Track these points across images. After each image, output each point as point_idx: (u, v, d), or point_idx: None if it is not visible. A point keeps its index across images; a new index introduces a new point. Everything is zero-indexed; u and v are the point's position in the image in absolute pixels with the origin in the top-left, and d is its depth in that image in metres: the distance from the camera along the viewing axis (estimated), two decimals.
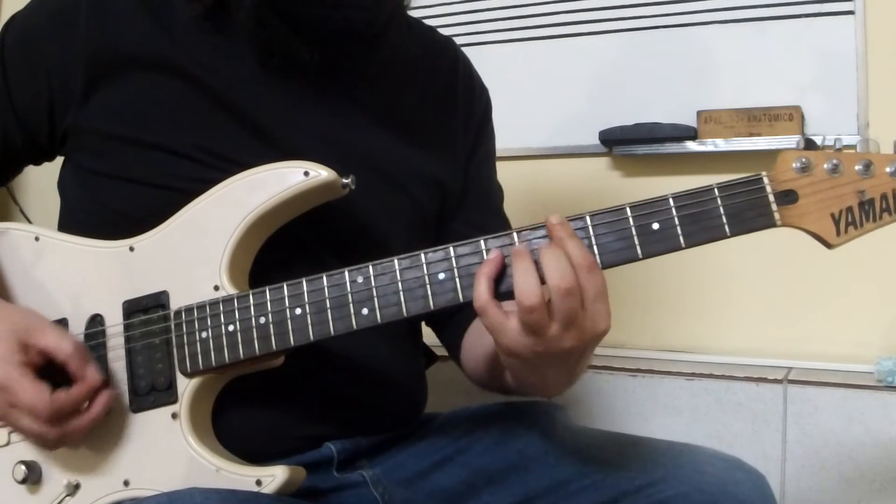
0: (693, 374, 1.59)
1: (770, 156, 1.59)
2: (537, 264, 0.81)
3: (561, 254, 0.81)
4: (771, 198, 0.82)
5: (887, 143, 0.83)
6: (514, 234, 0.85)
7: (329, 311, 0.88)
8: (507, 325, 0.82)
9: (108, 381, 0.94)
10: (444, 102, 1.16)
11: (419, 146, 1.10)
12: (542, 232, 0.84)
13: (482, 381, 1.11)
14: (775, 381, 1.53)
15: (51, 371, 0.90)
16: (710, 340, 1.73)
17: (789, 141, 1.59)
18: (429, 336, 1.19)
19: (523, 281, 0.80)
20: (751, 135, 1.62)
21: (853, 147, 0.84)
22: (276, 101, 1.02)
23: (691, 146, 1.68)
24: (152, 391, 0.93)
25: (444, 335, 1.18)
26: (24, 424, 0.89)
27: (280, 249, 0.97)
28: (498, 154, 1.26)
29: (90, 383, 0.91)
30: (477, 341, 1.08)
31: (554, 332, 0.81)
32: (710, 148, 1.66)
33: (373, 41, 1.06)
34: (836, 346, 1.62)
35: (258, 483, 0.87)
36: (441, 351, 1.22)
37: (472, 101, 1.19)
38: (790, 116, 1.60)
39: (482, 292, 0.82)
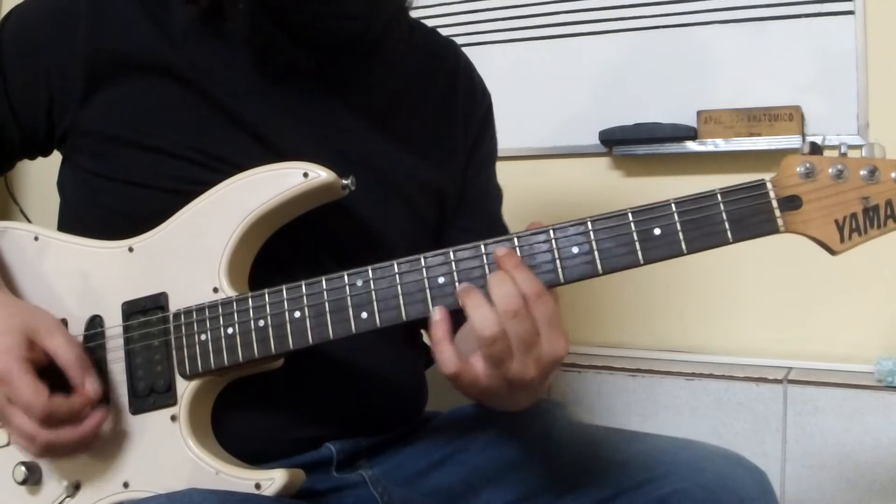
0: (693, 374, 1.59)
1: (770, 156, 1.61)
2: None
3: (505, 278, 0.81)
4: (774, 203, 0.81)
5: (889, 145, 0.82)
6: (515, 239, 0.84)
7: (328, 314, 0.87)
8: (478, 375, 0.82)
9: (106, 394, 0.93)
10: (444, 105, 1.16)
11: (418, 152, 1.10)
12: (543, 237, 0.84)
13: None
14: (775, 381, 1.53)
15: (51, 376, 0.90)
16: (710, 340, 1.73)
17: (789, 141, 1.59)
18: None
19: (478, 315, 0.80)
20: (751, 135, 1.62)
21: (857, 147, 0.83)
22: (273, 108, 1.02)
23: (691, 146, 1.68)
24: (151, 393, 0.93)
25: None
26: (17, 422, 0.88)
27: (279, 252, 0.97)
28: (498, 154, 1.25)
29: (87, 395, 0.91)
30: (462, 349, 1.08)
31: (516, 362, 0.80)
32: (710, 148, 1.66)
33: (371, 48, 1.06)
34: (836, 346, 1.63)
35: (257, 486, 0.87)
36: None
37: (472, 103, 1.19)
38: (790, 116, 1.60)
39: (450, 358, 0.81)
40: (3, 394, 0.88)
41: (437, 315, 0.83)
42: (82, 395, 0.90)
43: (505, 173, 1.25)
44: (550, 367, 0.82)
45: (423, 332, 1.18)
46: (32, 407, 0.87)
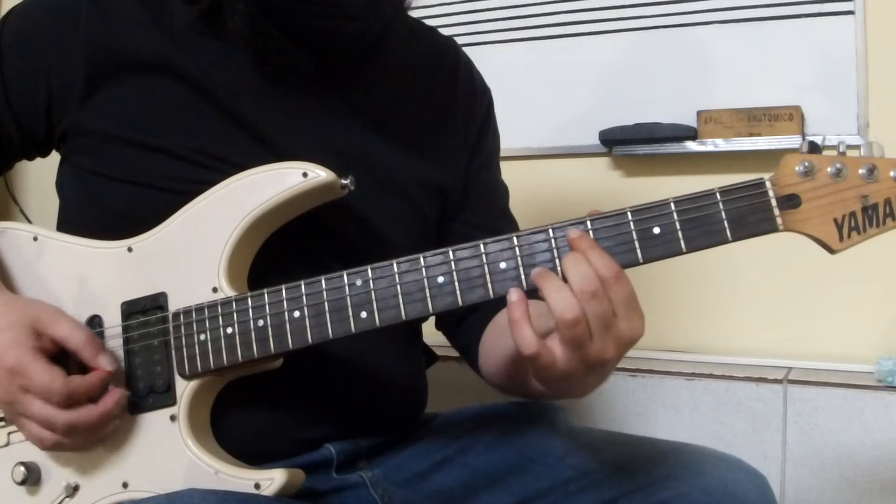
0: (693, 374, 1.59)
1: (770, 156, 1.61)
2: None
3: (581, 259, 0.80)
4: (773, 202, 0.81)
5: (889, 144, 0.82)
6: (514, 238, 0.84)
7: (327, 314, 0.87)
8: (555, 358, 0.81)
9: (119, 372, 0.93)
10: (445, 105, 1.16)
11: (419, 151, 1.10)
12: (542, 236, 0.83)
13: (502, 386, 1.11)
14: (775, 381, 1.53)
15: (62, 362, 0.90)
16: (710, 340, 1.73)
17: (789, 141, 1.59)
18: (429, 336, 1.19)
19: (558, 298, 0.79)
20: (751, 135, 1.62)
21: (856, 147, 0.83)
22: (273, 108, 1.02)
23: (691, 146, 1.68)
24: (151, 393, 0.93)
25: (457, 338, 1.17)
26: (34, 410, 0.88)
27: (279, 252, 0.97)
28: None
29: (104, 372, 0.90)
30: (496, 347, 1.08)
31: (596, 343, 0.80)
32: (710, 148, 1.66)
33: (370, 48, 1.06)
34: (836, 346, 1.62)
35: (257, 486, 0.87)
36: (442, 351, 1.21)
37: (472, 102, 1.19)
38: (790, 116, 1.60)
39: (529, 337, 0.80)
40: (17, 386, 0.88)
41: (514, 296, 0.81)
42: (99, 372, 0.90)
43: (505, 173, 1.25)
44: (627, 347, 0.82)
45: (421, 331, 1.18)
46: (51, 390, 0.87)
